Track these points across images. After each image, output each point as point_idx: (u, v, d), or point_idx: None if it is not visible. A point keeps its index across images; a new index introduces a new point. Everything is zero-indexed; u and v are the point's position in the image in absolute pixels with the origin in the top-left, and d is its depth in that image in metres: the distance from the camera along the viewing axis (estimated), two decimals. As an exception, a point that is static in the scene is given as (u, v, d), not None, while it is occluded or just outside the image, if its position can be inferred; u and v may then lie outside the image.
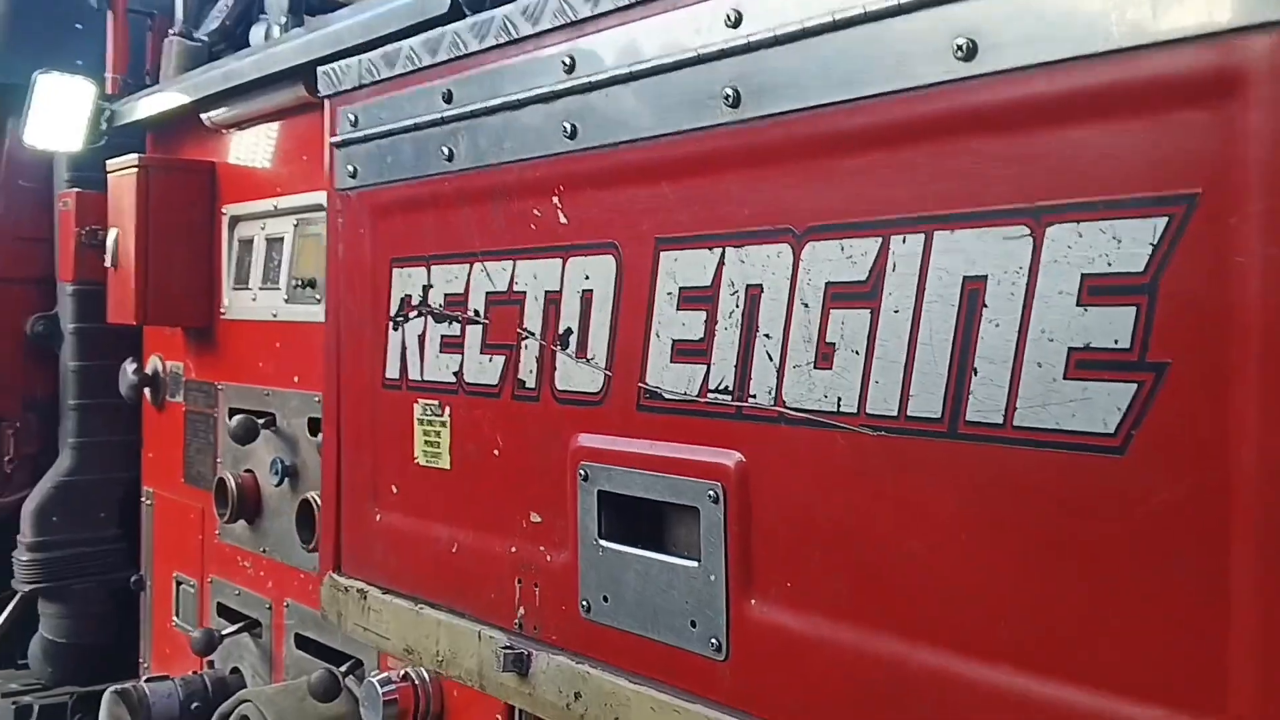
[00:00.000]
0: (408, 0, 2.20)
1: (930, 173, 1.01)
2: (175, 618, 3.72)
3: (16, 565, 4.06)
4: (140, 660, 3.97)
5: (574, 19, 1.35)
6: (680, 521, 1.28)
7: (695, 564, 1.25)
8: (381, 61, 1.67)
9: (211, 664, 3.42)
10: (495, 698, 1.61)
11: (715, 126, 1.19)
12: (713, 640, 1.23)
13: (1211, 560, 0.85)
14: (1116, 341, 0.89)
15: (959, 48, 0.97)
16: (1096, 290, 0.90)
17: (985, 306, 0.97)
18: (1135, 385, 0.88)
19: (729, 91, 1.17)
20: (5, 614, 4.30)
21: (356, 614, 1.74)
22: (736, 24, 1.16)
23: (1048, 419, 0.93)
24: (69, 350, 4.13)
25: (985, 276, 0.97)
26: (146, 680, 3.37)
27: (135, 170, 3.46)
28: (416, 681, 2.49)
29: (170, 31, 3.75)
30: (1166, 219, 0.86)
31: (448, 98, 1.54)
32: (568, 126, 1.37)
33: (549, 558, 1.43)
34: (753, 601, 1.20)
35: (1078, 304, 0.91)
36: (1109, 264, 0.89)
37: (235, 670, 3.34)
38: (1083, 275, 0.91)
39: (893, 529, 1.06)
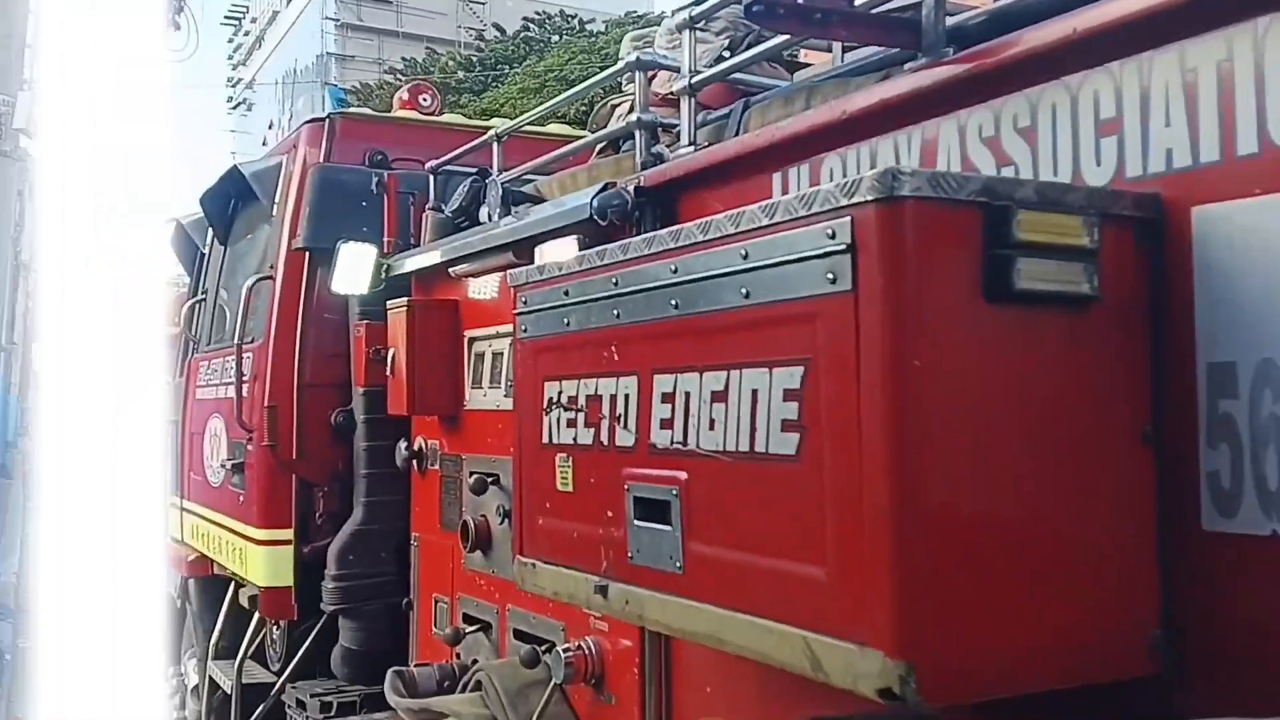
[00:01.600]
0: (568, 208, 3.79)
1: (743, 344, 2.46)
2: (434, 628, 5.08)
3: (325, 592, 5.55)
4: (409, 664, 5.35)
5: (619, 260, 2.85)
6: (665, 508, 2.71)
7: (670, 528, 2.69)
8: (536, 272, 3.21)
9: (458, 656, 4.81)
10: (626, 622, 3.03)
11: (669, 317, 2.66)
12: (678, 564, 2.66)
13: (823, 502, 2.23)
14: (794, 417, 2.29)
15: (744, 293, 2.41)
16: (787, 396, 2.32)
17: (757, 403, 2.40)
18: (799, 434, 2.29)
19: (674, 301, 2.64)
20: (317, 629, 5.91)
21: (531, 576, 3.24)
22: (675, 271, 2.62)
23: (777, 448, 2.37)
24: (361, 434, 5.61)
25: (757, 390, 2.40)
26: (415, 666, 4.84)
27: (405, 308, 4.89)
28: (586, 651, 3.94)
29: (427, 207, 5.25)
30: (803, 366, 2.28)
31: (565, 293, 3.07)
32: (616, 313, 2.85)
33: (615, 533, 2.89)
34: (692, 543, 2.63)
35: (783, 400, 2.33)
36: (791, 385, 2.31)
37: (474, 661, 4.64)
38: (785, 389, 2.33)
39: (736, 501, 2.50)
